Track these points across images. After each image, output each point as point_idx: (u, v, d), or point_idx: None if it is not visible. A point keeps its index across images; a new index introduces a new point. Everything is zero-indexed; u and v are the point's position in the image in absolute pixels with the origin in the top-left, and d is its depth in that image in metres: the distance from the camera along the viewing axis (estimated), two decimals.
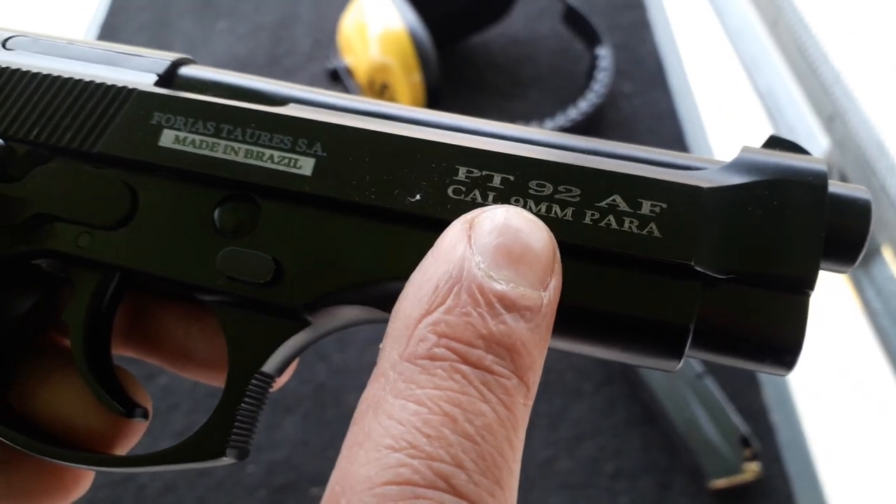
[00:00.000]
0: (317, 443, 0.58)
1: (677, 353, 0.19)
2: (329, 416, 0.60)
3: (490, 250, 0.15)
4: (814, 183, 0.19)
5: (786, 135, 0.68)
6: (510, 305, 0.15)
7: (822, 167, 0.19)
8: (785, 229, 0.18)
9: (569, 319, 0.19)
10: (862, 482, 1.03)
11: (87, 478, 0.25)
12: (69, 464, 0.22)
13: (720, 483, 0.54)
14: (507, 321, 0.15)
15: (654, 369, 0.20)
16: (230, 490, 0.57)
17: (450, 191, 0.19)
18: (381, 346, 0.16)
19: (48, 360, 0.24)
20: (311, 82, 0.83)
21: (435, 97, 0.73)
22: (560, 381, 0.61)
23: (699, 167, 0.20)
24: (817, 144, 0.90)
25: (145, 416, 0.23)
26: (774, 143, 0.20)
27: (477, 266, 0.15)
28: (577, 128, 0.72)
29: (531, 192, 0.19)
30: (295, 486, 0.57)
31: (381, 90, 0.73)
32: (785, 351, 0.18)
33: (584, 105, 0.73)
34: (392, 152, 0.20)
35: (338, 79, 0.76)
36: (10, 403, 0.23)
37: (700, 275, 0.18)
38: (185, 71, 0.23)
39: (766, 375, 0.61)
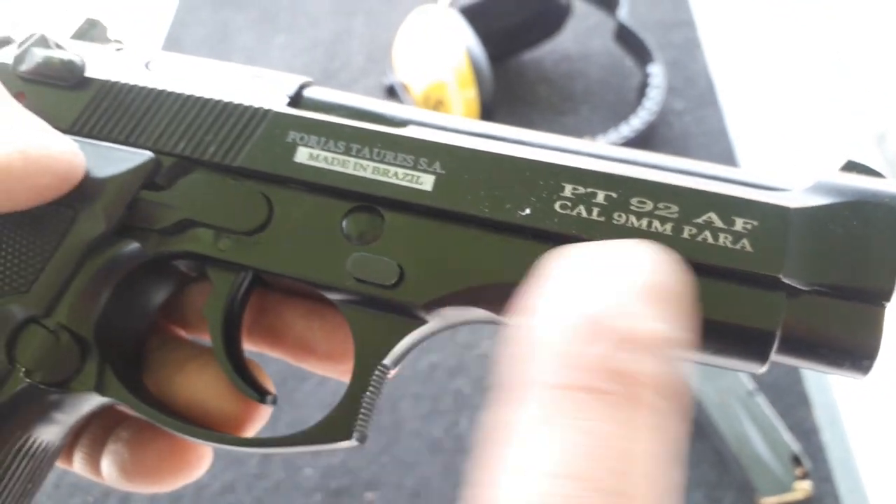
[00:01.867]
0: (372, 448, 0.60)
1: (764, 357, 0.20)
2: (384, 422, 0.62)
3: (638, 292, 0.16)
4: (891, 204, 0.20)
5: (834, 149, 0.69)
6: (660, 343, 0.15)
7: (894, 186, 0.20)
8: (864, 246, 0.20)
9: None
10: None
11: (207, 459, 0.27)
12: (213, 444, 0.24)
13: (770, 501, 0.55)
14: (659, 360, 0.15)
15: (741, 371, 0.21)
16: (287, 493, 0.59)
17: (557, 206, 0.21)
18: (505, 368, 0.17)
19: (182, 350, 0.26)
20: (366, 95, 0.86)
21: (488, 112, 0.75)
22: None
23: (784, 188, 0.21)
24: (869, 160, 0.90)
25: (274, 401, 0.25)
26: (851, 167, 0.21)
27: (626, 306, 0.15)
28: (629, 144, 0.74)
29: (632, 208, 0.21)
30: (350, 491, 0.58)
31: (436, 106, 0.75)
32: (862, 357, 0.20)
33: (636, 122, 0.74)
34: (504, 171, 0.22)
35: (394, 94, 0.78)
36: (148, 389, 0.25)
37: (786, 286, 0.20)
38: (309, 93, 0.25)
39: (816, 394, 0.61)
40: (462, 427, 0.61)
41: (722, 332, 0.20)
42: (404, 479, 0.59)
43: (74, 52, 0.26)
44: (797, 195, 0.21)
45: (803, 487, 0.55)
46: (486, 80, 0.74)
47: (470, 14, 0.78)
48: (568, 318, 0.15)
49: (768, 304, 0.20)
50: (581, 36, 0.89)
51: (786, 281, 0.20)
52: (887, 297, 0.19)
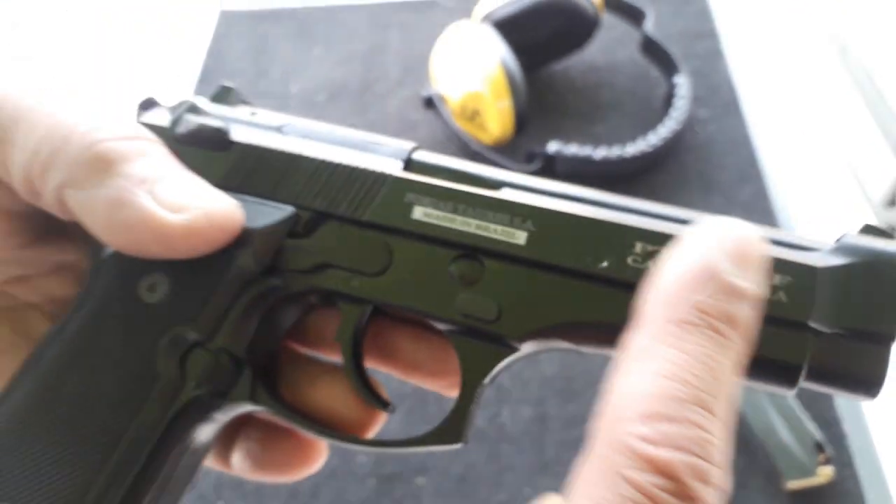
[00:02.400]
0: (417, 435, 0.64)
1: (793, 384, 0.25)
2: (431, 411, 0.66)
3: (734, 256, 0.21)
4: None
5: (853, 157, 0.73)
6: (747, 296, 0.21)
7: None
8: (875, 298, 0.24)
9: None
10: None
11: (324, 455, 0.31)
12: (346, 444, 0.29)
13: (794, 484, 0.58)
14: (744, 305, 0.21)
15: (775, 393, 0.26)
16: (343, 479, 0.63)
17: (629, 260, 0.26)
18: (646, 299, 0.21)
19: (312, 366, 0.31)
20: (402, 106, 0.90)
21: (522, 121, 0.79)
22: None
23: (813, 247, 0.26)
24: (885, 168, 0.93)
25: (392, 410, 0.30)
26: (868, 230, 0.26)
27: (725, 266, 0.21)
28: (656, 152, 0.77)
29: None
30: (401, 476, 0.62)
31: (472, 115, 0.79)
32: (871, 385, 0.24)
33: (663, 131, 0.78)
34: (585, 229, 0.26)
35: (432, 105, 0.82)
36: (284, 398, 0.29)
37: (813, 329, 0.24)
38: (417, 156, 0.29)
39: None
40: (503, 417, 0.65)
41: (762, 364, 0.24)
42: (451, 465, 0.63)
43: (220, 118, 0.30)
44: (823, 255, 0.25)
45: (826, 472, 0.58)
46: (520, 91, 0.78)
47: (503, 28, 0.82)
48: (682, 273, 0.21)
49: (798, 343, 0.24)
50: (608, 47, 0.92)
51: (812, 325, 0.24)
52: (892, 339, 0.24)
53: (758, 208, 0.77)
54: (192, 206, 0.25)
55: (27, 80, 0.27)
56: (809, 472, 0.59)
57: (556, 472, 0.62)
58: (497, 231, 0.27)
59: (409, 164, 0.29)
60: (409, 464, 0.63)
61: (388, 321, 0.30)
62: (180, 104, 0.31)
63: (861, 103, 0.92)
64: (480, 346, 0.27)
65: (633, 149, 0.77)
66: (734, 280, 0.20)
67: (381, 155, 0.29)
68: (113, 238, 0.26)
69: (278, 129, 0.30)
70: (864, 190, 0.95)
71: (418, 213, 0.28)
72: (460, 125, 0.80)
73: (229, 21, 1.04)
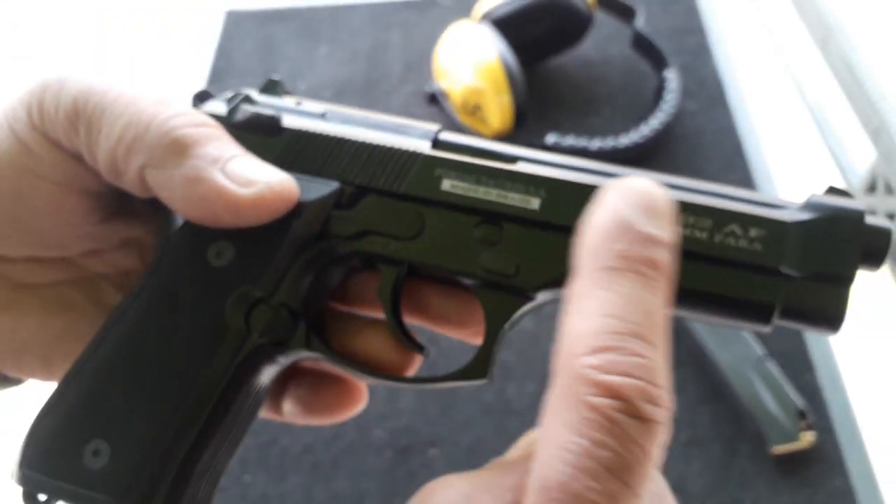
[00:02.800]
0: (431, 411, 0.68)
1: (768, 321, 0.28)
2: (442, 390, 0.70)
3: (645, 209, 0.24)
4: (856, 217, 0.28)
5: (834, 145, 0.78)
6: (662, 242, 0.23)
7: (862, 208, 0.28)
8: (838, 247, 0.27)
9: (706, 300, 0.29)
10: None
11: (365, 398, 0.35)
12: (390, 382, 0.33)
13: (780, 449, 0.62)
14: (660, 249, 0.23)
15: (754, 330, 0.29)
16: (360, 451, 0.68)
17: None
18: (577, 255, 0.24)
19: (356, 320, 0.34)
20: (406, 102, 0.94)
21: (521, 114, 0.83)
22: None
23: (784, 206, 0.29)
24: (864, 155, 0.98)
25: (428, 354, 0.33)
26: (831, 191, 0.30)
27: (636, 218, 0.23)
28: (648, 142, 0.81)
29: (682, 218, 0.29)
30: (415, 448, 0.67)
31: (474, 110, 0.83)
32: (834, 321, 0.28)
33: (654, 122, 0.82)
34: (588, 193, 0.30)
35: (435, 101, 0.86)
36: (334, 346, 0.33)
37: (784, 274, 0.28)
38: (442, 136, 0.33)
39: (820, 360, 0.69)
40: (509, 393, 0.69)
41: (742, 304, 0.28)
42: (461, 437, 0.67)
43: (271, 107, 0.34)
44: (792, 212, 0.29)
45: (808, 438, 0.62)
46: (519, 85, 0.82)
47: (501, 26, 0.86)
48: (602, 227, 0.24)
49: (772, 286, 0.28)
50: (601, 43, 0.96)
51: (783, 271, 0.28)
52: (851, 281, 0.28)
53: None
54: (258, 181, 0.29)
55: (106, 79, 0.30)
56: (793, 438, 0.63)
57: None
58: (514, 199, 0.31)
59: (437, 144, 0.33)
60: (422, 436, 0.67)
61: (420, 281, 0.34)
62: (236, 95, 0.34)
63: (841, 94, 0.96)
64: (501, 296, 0.31)
65: (626, 139, 0.81)
66: (646, 229, 0.23)
67: (412, 136, 0.33)
68: (189, 210, 0.30)
69: (321, 116, 0.34)
70: (845, 176, 1.00)
71: (446, 185, 0.32)
72: (462, 119, 0.84)
73: (236, 21, 1.07)
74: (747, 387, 0.65)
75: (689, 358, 0.70)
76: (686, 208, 0.29)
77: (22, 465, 0.30)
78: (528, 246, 0.31)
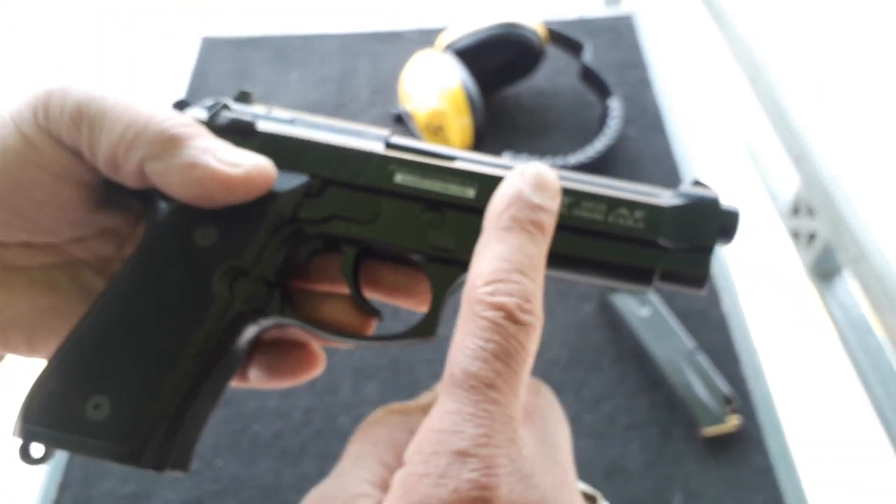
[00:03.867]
0: (395, 400, 0.73)
1: (649, 283, 0.35)
2: (403, 381, 0.75)
3: (536, 185, 0.31)
4: (713, 202, 0.35)
5: (762, 171, 0.86)
6: (541, 208, 0.31)
7: (716, 195, 0.36)
8: (701, 224, 0.35)
9: (603, 267, 0.35)
10: (815, 430, 1.40)
11: (324, 363, 0.40)
12: (354, 340, 0.37)
13: (709, 431, 0.68)
14: (543, 213, 0.31)
15: (633, 291, 0.37)
16: (327, 437, 0.71)
17: None
18: (485, 220, 0.31)
19: (319, 295, 0.39)
20: (374, 122, 1.00)
21: (480, 136, 0.90)
22: (583, 358, 0.76)
23: (661, 195, 0.36)
24: (789, 180, 1.07)
25: (382, 318, 0.38)
26: (696, 183, 0.37)
27: (526, 190, 0.31)
28: (593, 163, 0.88)
29: (582, 205, 0.35)
30: None
31: (437, 130, 0.90)
32: (700, 280, 0.35)
33: (598, 145, 0.90)
34: None
35: (401, 121, 0.93)
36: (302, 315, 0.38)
37: (661, 246, 0.35)
38: (393, 140, 0.38)
39: (744, 353, 0.75)
40: None
41: (630, 269, 0.35)
42: None
43: (247, 113, 0.38)
44: (667, 199, 0.36)
45: (733, 421, 0.68)
46: (478, 110, 0.89)
47: (462, 56, 0.93)
48: (502, 197, 0.31)
49: (652, 255, 0.35)
50: (552, 75, 1.04)
51: (661, 243, 0.35)
52: (711, 250, 0.35)
53: None
54: (245, 163, 0.34)
55: (104, 87, 0.34)
56: (720, 421, 0.69)
57: None
58: (454, 189, 0.36)
59: (389, 146, 0.38)
60: None
61: (375, 261, 0.39)
62: (215, 104, 0.39)
63: (768, 123, 1.05)
64: (444, 268, 0.36)
65: (573, 160, 0.89)
66: (534, 199, 0.30)
67: (369, 139, 0.38)
68: (186, 192, 0.34)
69: (291, 122, 0.39)
70: (772, 199, 1.09)
71: (398, 178, 0.37)
72: (426, 139, 0.91)
73: (212, 46, 1.13)
74: (680, 377, 0.72)
75: (629, 352, 0.76)
76: (586, 196, 0.36)
77: (25, 419, 0.32)
78: (465, 227, 0.36)
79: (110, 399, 0.32)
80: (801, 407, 1.40)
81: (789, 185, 1.06)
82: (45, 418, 0.32)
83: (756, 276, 1.62)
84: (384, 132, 0.39)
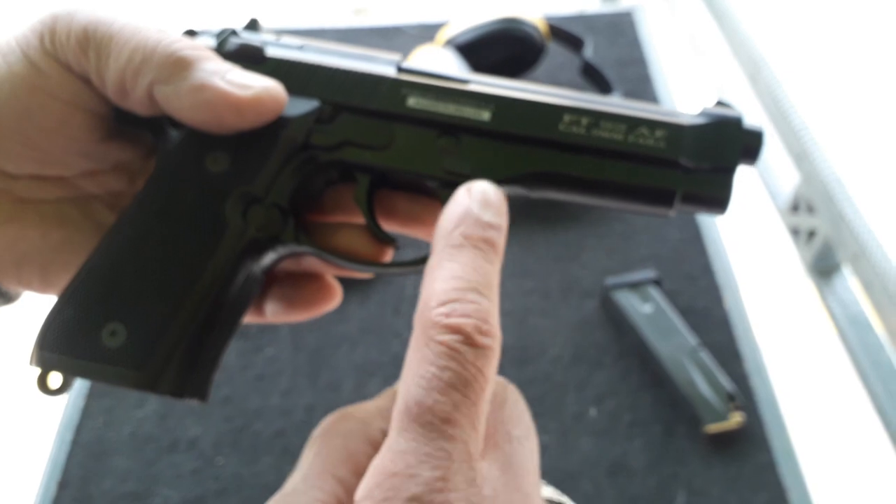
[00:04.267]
0: None
1: (671, 205, 0.34)
2: (395, 381, 0.75)
3: (483, 203, 0.30)
4: (736, 121, 0.34)
5: (762, 168, 0.86)
6: (492, 224, 0.29)
7: (740, 114, 0.35)
8: (723, 144, 0.34)
9: (624, 189, 0.34)
10: (817, 427, 1.42)
11: (339, 295, 0.39)
12: (370, 268, 0.37)
13: (712, 428, 0.68)
14: (493, 230, 0.29)
15: (654, 214, 0.35)
16: None
17: (560, 126, 0.35)
18: (434, 239, 0.29)
19: (334, 226, 0.38)
20: None
21: None
22: (586, 355, 0.76)
23: (683, 115, 0.35)
24: (789, 177, 1.07)
25: (398, 245, 0.38)
26: (720, 103, 0.36)
27: (475, 208, 0.29)
28: None
29: (601, 125, 0.34)
30: None
31: None
32: (723, 202, 0.34)
33: None
34: (528, 108, 0.35)
35: None
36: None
37: (682, 166, 0.34)
38: (404, 64, 0.38)
39: (747, 350, 0.76)
40: None
41: (651, 191, 0.34)
42: None
43: (256, 40, 0.38)
44: (689, 118, 0.35)
45: (737, 418, 0.69)
46: None
47: (463, 51, 0.93)
48: (451, 215, 0.29)
49: (673, 175, 0.34)
50: (553, 71, 1.04)
51: (682, 163, 0.34)
52: (734, 170, 0.34)
53: None
54: (255, 85, 0.33)
55: (111, 11, 0.34)
56: (724, 418, 0.69)
57: None
58: (468, 112, 0.36)
59: (400, 70, 0.37)
60: None
61: (389, 191, 0.38)
62: (223, 31, 0.38)
63: (768, 122, 1.06)
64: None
65: None
66: (482, 215, 0.29)
67: (380, 63, 0.37)
68: (196, 115, 0.33)
69: (300, 48, 0.38)
70: (772, 196, 1.09)
71: (411, 101, 0.36)
72: None
73: None
74: (683, 374, 0.72)
75: (632, 350, 0.76)
76: (605, 116, 0.35)
77: (42, 347, 0.32)
78: (481, 151, 0.36)
79: (126, 326, 0.32)
80: (802, 404, 1.41)
81: (789, 183, 1.06)
82: (61, 345, 0.32)
83: (757, 273, 1.62)
84: (396, 56, 0.38)
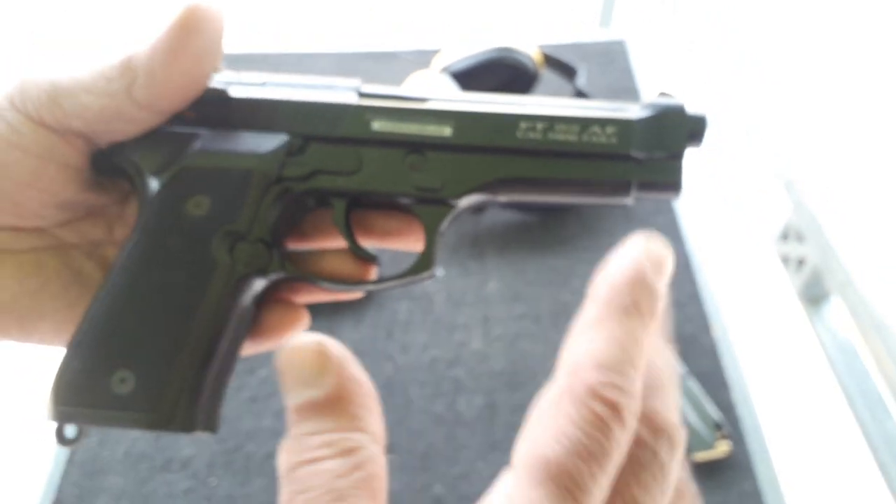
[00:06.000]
0: (387, 421, 0.73)
1: (628, 193, 0.36)
2: (397, 401, 0.76)
3: (652, 265, 0.28)
4: (679, 109, 0.36)
5: (755, 194, 0.88)
6: (661, 295, 0.28)
7: (682, 102, 0.37)
8: (670, 132, 0.36)
9: (583, 184, 0.36)
10: (804, 455, 1.34)
11: (306, 321, 0.40)
12: (353, 287, 0.38)
13: (699, 456, 0.69)
14: (659, 302, 0.28)
15: (618, 204, 0.37)
16: None
17: (517, 133, 0.36)
18: (596, 290, 0.27)
19: (315, 252, 0.40)
20: None
21: None
22: None
23: (628, 109, 0.37)
24: (779, 206, 1.09)
25: (379, 262, 0.39)
26: (662, 94, 0.38)
27: (650, 273, 0.28)
28: None
29: (556, 128, 0.36)
30: None
31: None
32: (676, 186, 0.36)
33: None
34: (486, 119, 0.37)
35: None
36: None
37: (634, 157, 0.36)
38: (364, 89, 0.39)
39: (734, 380, 0.77)
40: (460, 405, 0.75)
41: (608, 184, 0.36)
42: (415, 444, 0.72)
43: (218, 81, 0.38)
44: (636, 112, 0.37)
45: (723, 447, 0.69)
46: None
47: (458, 78, 0.94)
48: (626, 272, 0.28)
49: (627, 167, 0.36)
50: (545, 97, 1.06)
51: (634, 154, 0.36)
52: (682, 155, 0.36)
53: (670, 235, 0.90)
54: (175, 19, 0.33)
55: (65, 60, 0.35)
56: (710, 447, 0.70)
57: (504, 449, 0.71)
58: (431, 129, 0.37)
59: (361, 95, 0.38)
60: None
61: (364, 210, 0.40)
62: None
63: (759, 148, 1.07)
64: (433, 208, 0.37)
65: None
66: (655, 284, 0.27)
67: (341, 90, 0.38)
68: (177, 83, 0.34)
69: (262, 85, 0.39)
70: (763, 224, 1.10)
71: (376, 125, 0.37)
72: None
73: None
74: None
75: None
76: (559, 119, 0.37)
77: (56, 402, 0.33)
78: (447, 165, 0.37)
79: (134, 372, 0.33)
80: (789, 432, 1.41)
81: (780, 211, 1.07)
82: (74, 398, 0.33)
83: (745, 300, 1.63)
84: (355, 82, 0.39)
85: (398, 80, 1.00)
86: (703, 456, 0.70)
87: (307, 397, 0.26)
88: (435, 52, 1.07)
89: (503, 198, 0.38)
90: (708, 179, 1.63)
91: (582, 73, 1.00)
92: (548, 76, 1.04)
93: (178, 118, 0.37)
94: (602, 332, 0.26)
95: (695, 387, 0.74)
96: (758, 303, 1.62)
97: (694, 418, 0.72)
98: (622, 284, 0.27)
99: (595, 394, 0.24)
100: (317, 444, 0.25)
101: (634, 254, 0.28)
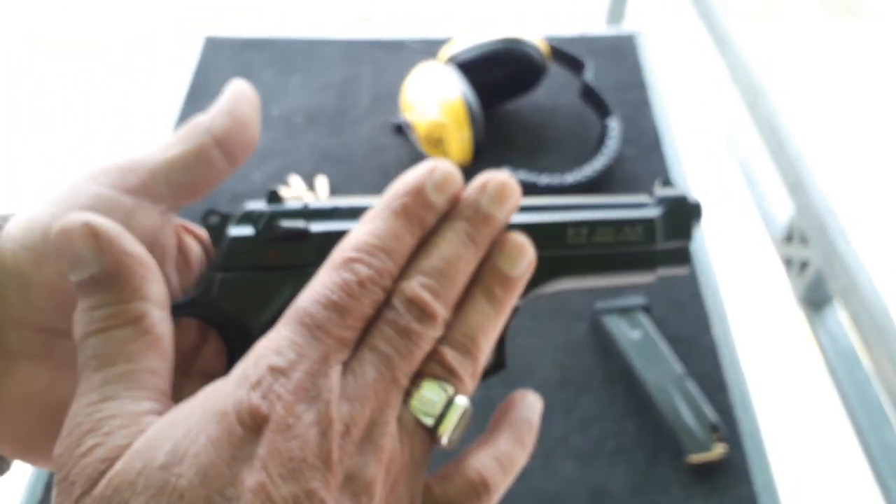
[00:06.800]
0: None
1: (652, 273, 0.39)
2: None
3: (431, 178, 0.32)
4: (683, 200, 0.40)
5: (757, 197, 0.87)
6: (434, 207, 0.32)
7: (684, 193, 0.40)
8: (681, 221, 0.40)
9: (621, 271, 0.39)
10: (800, 459, 1.42)
11: None
12: None
13: (695, 458, 0.69)
14: (432, 214, 0.32)
15: (645, 281, 0.40)
16: None
17: (568, 239, 0.39)
18: (383, 197, 0.31)
19: None
20: (374, 131, 1.00)
21: (479, 150, 0.91)
22: (573, 378, 0.77)
23: (645, 204, 0.40)
24: (783, 207, 1.08)
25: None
26: (665, 183, 0.41)
27: (428, 187, 0.31)
28: (590, 182, 0.90)
29: (597, 231, 0.39)
30: None
31: (436, 143, 0.90)
32: (687, 261, 0.40)
33: (597, 164, 0.91)
34: (539, 229, 0.39)
35: (401, 131, 0.94)
36: None
37: (657, 248, 0.39)
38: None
39: (732, 382, 0.76)
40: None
41: (633, 269, 0.39)
42: None
43: (296, 221, 0.37)
44: (652, 210, 0.40)
45: (720, 449, 0.69)
46: (478, 123, 0.90)
47: (465, 69, 0.94)
48: (401, 186, 0.31)
49: (652, 256, 0.40)
50: (553, 92, 1.05)
51: (657, 248, 0.39)
52: (692, 237, 0.40)
53: None
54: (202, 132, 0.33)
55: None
56: (707, 448, 0.69)
57: None
58: None
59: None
60: None
61: None
62: (259, 216, 0.36)
63: (764, 150, 1.06)
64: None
65: (571, 178, 0.89)
66: (430, 197, 0.31)
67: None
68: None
69: (333, 210, 0.38)
70: (766, 225, 1.09)
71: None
72: (426, 150, 0.92)
73: (215, 46, 1.13)
74: (668, 402, 0.73)
75: (619, 375, 0.77)
76: (600, 223, 0.40)
77: None
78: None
79: None
80: (787, 436, 1.41)
81: (784, 213, 1.06)
82: None
83: (747, 302, 1.63)
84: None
85: (404, 70, 1.00)
86: (698, 458, 0.70)
87: (87, 274, 0.28)
88: (442, 41, 1.06)
89: (548, 290, 0.40)
90: (710, 179, 1.62)
91: (590, 67, 0.99)
92: (556, 69, 1.04)
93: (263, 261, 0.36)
94: (369, 224, 0.31)
95: (693, 388, 0.73)
96: (760, 304, 1.62)
97: (691, 419, 0.71)
98: (398, 192, 0.32)
99: (345, 266, 0.29)
100: (102, 316, 0.27)
101: (420, 171, 0.32)
